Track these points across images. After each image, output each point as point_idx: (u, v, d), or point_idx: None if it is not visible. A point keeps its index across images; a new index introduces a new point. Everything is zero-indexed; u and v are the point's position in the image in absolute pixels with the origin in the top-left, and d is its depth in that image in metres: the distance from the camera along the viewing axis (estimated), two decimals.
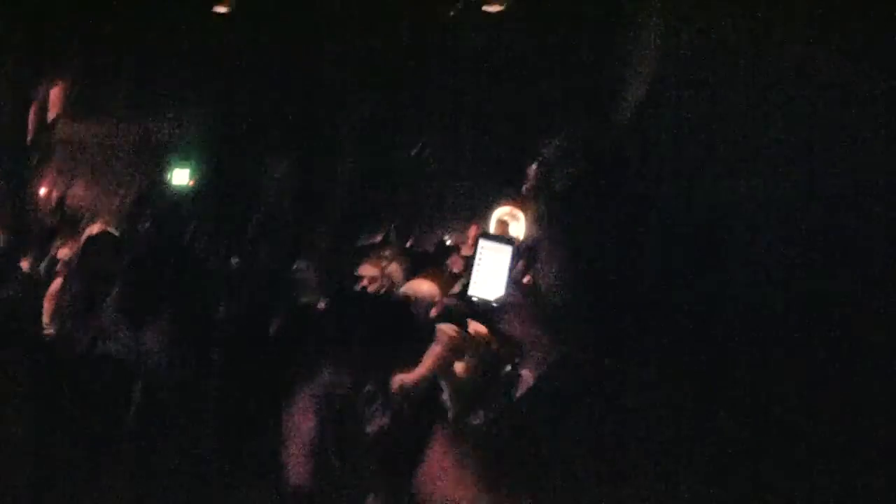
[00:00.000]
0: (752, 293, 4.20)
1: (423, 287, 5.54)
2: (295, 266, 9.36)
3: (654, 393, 4.20)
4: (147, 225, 11.29)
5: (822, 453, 3.94)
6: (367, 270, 6.90)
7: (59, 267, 7.46)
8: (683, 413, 4.12)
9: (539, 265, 5.11)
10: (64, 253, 7.69)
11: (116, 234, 6.78)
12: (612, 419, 4.17)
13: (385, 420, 4.06)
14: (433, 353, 4.41)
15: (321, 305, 5.73)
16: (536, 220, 5.87)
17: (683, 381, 4.19)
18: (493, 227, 12.51)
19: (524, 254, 4.82)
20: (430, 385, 4.27)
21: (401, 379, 4.27)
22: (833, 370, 3.99)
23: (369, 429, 4.04)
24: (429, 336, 4.35)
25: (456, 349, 4.26)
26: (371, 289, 6.54)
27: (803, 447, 3.96)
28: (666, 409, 4.12)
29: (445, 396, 4.25)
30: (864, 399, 3.93)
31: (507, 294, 4.10)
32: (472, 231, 12.77)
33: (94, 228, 6.70)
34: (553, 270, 4.82)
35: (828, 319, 4.12)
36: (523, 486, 3.97)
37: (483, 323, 4.48)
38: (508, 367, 4.76)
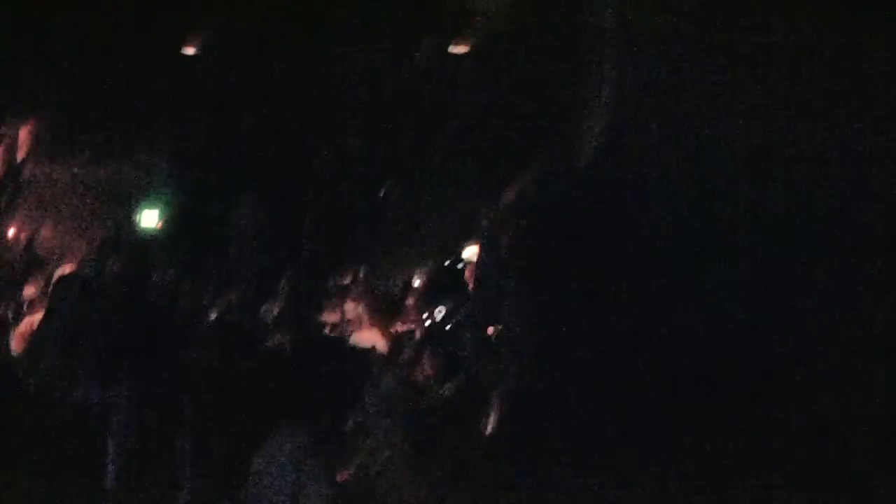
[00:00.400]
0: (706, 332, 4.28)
1: (365, 336, 5.61)
2: (263, 309, 9.38)
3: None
4: (115, 267, 11.27)
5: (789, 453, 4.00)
6: (329, 316, 6.96)
7: (24, 309, 7.45)
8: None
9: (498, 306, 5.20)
10: (30, 293, 7.68)
11: (87, 274, 6.80)
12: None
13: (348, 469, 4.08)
14: None
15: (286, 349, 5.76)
16: (492, 263, 5.96)
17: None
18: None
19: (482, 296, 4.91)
20: None
21: None
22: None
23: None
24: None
25: None
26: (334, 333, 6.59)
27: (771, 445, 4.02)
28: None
29: None
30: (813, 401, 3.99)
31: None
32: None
33: (66, 269, 6.72)
34: (512, 311, 4.90)
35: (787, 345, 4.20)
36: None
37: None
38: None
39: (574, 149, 6.19)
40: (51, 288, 6.49)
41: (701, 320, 4.45)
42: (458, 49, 11.20)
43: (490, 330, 5.36)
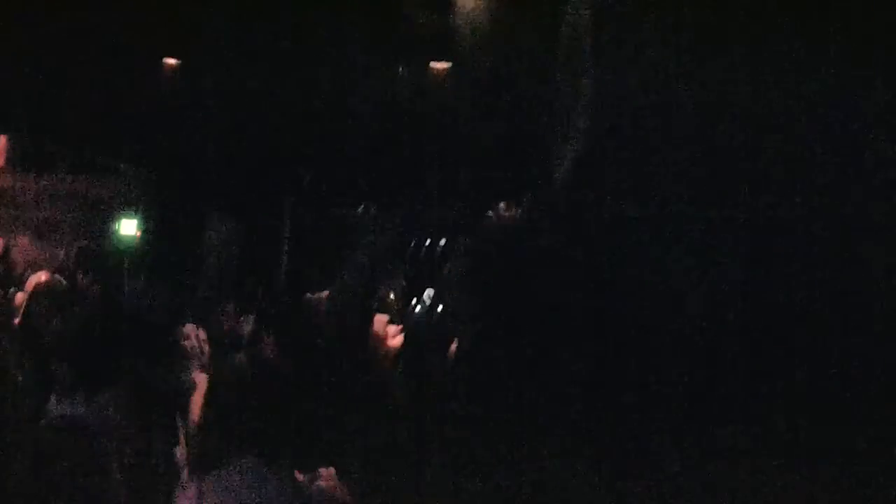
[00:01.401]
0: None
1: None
2: (238, 322, 9.37)
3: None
4: (90, 279, 11.25)
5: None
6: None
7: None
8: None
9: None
10: (6, 302, 7.68)
11: (63, 283, 6.78)
12: None
13: None
14: None
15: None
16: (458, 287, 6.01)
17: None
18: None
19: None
20: None
21: None
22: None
23: None
24: None
25: None
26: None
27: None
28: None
29: None
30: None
31: None
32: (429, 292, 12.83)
33: (41, 277, 6.67)
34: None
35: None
36: None
37: None
38: None
39: (553, 164, 6.22)
40: (29, 294, 6.44)
41: (676, 329, 4.48)
42: (440, 65, 11.25)
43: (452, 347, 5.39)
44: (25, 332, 6.11)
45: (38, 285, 6.43)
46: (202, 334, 6.14)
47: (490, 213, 5.60)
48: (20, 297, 6.82)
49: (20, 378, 5.50)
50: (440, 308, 5.59)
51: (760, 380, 4.18)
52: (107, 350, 4.70)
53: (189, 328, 6.26)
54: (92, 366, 4.42)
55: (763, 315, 4.33)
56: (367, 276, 6.20)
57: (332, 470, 3.97)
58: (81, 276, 12.09)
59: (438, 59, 11.18)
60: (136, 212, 21.46)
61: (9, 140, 24.60)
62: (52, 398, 4.64)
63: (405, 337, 5.89)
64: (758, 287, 4.39)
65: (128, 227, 22.25)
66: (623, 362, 4.43)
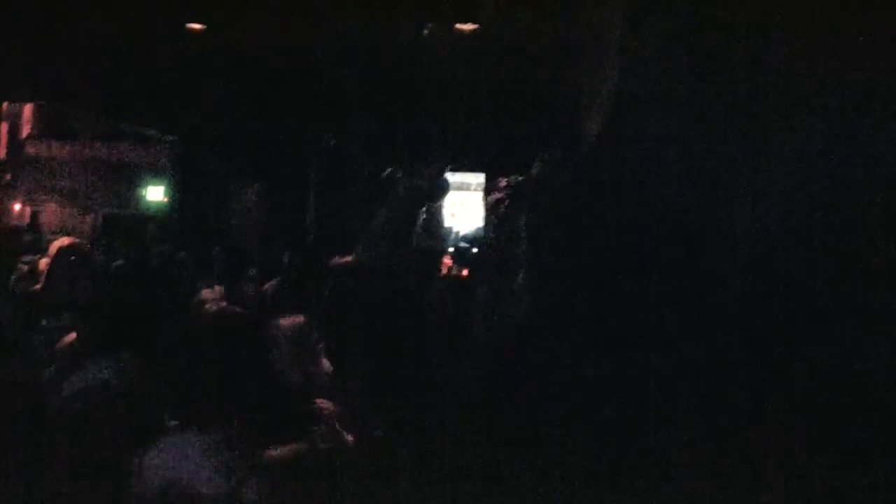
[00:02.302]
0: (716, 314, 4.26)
1: None
2: (265, 287, 9.35)
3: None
4: (117, 243, 11.27)
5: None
6: None
7: (27, 282, 7.42)
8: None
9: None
10: (33, 267, 7.69)
11: (86, 247, 6.76)
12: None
13: None
14: None
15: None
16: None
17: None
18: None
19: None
20: None
21: None
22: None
23: None
24: None
25: None
26: None
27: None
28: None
29: None
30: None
31: None
32: (446, 261, 12.80)
33: (64, 241, 6.64)
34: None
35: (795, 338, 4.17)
36: None
37: None
38: None
39: (582, 129, 6.13)
40: (54, 255, 6.43)
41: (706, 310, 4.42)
42: (465, 26, 11.12)
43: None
44: (48, 296, 6.10)
45: (60, 250, 6.41)
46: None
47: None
48: (44, 263, 6.81)
49: (44, 342, 5.50)
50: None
51: (765, 380, 4.12)
52: (129, 314, 4.67)
53: (208, 292, 6.27)
54: (114, 329, 4.39)
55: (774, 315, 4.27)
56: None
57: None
58: (107, 241, 12.12)
59: (464, 21, 11.05)
60: (161, 178, 21.53)
61: (35, 108, 24.68)
62: (76, 362, 4.62)
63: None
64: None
65: (154, 194, 22.36)
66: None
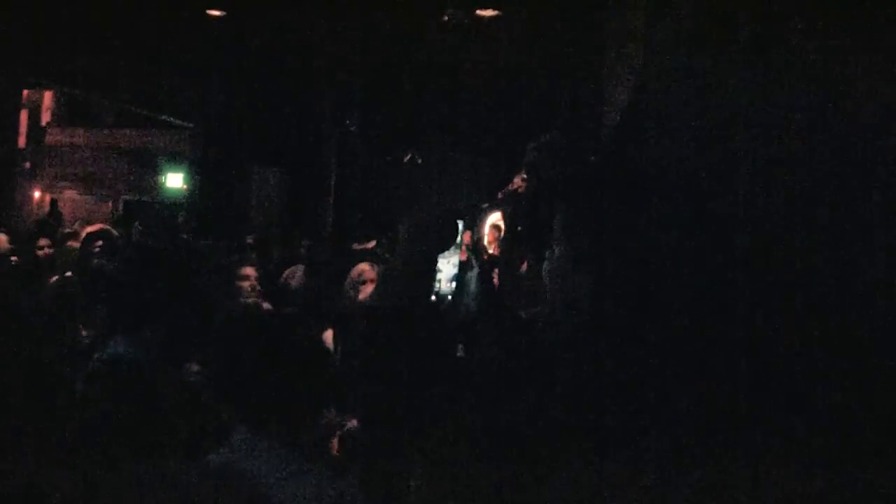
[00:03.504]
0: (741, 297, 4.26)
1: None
2: (286, 274, 9.41)
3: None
4: (138, 229, 11.32)
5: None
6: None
7: (46, 267, 7.54)
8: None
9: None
10: (53, 253, 7.82)
11: (114, 232, 6.85)
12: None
13: None
14: None
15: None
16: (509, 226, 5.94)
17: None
18: (487, 233, 12.65)
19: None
20: None
21: None
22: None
23: None
24: None
25: None
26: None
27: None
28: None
29: None
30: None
31: None
32: (466, 237, 12.84)
33: (93, 227, 6.79)
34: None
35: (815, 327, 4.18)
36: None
37: None
38: None
39: (599, 113, 6.16)
40: (83, 240, 6.58)
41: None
42: (487, 11, 11.13)
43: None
44: (81, 275, 6.22)
45: (90, 234, 6.56)
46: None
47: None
48: (71, 247, 6.98)
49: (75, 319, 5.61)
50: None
51: (766, 381, 4.12)
52: (151, 292, 4.73)
53: (249, 269, 6.39)
54: (138, 307, 4.44)
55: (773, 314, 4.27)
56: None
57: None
58: (129, 226, 12.18)
59: (484, 7, 11.07)
60: (181, 165, 21.59)
61: (55, 96, 24.79)
62: (98, 342, 4.69)
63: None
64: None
65: (173, 181, 22.42)
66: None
